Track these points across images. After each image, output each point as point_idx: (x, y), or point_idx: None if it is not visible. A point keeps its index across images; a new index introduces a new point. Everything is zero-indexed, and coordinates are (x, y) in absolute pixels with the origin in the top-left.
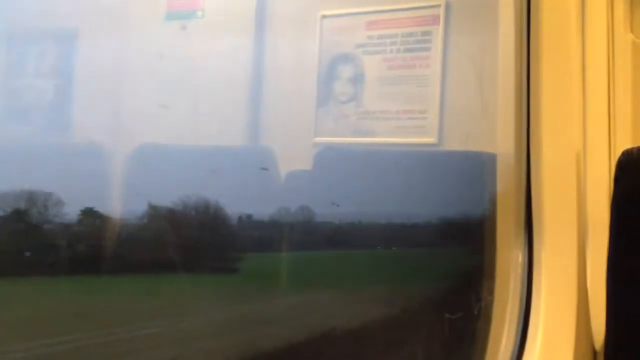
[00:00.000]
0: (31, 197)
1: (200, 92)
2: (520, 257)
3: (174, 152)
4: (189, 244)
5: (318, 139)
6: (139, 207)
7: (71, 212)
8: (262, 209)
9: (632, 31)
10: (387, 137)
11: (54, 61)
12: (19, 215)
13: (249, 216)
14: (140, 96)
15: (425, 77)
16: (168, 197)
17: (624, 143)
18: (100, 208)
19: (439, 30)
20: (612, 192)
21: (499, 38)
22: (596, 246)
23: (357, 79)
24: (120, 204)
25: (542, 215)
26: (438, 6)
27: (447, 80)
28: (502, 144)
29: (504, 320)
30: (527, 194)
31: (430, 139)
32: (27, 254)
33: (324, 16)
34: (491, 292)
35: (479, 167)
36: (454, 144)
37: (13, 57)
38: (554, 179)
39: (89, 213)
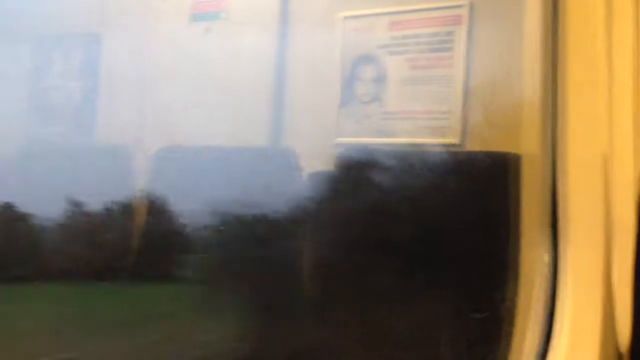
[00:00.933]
0: None
1: (223, 92)
2: (546, 257)
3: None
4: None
5: (340, 140)
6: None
7: None
8: None
9: None
10: (409, 137)
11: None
12: None
13: None
14: (163, 98)
15: (449, 78)
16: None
17: None
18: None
19: (462, 30)
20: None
21: (523, 38)
22: (622, 247)
23: (380, 80)
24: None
25: (567, 216)
26: (462, 6)
27: (470, 81)
28: (527, 144)
29: (528, 320)
30: (552, 195)
31: (454, 140)
32: None
33: (346, 17)
34: (515, 292)
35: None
36: (478, 145)
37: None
38: (580, 179)
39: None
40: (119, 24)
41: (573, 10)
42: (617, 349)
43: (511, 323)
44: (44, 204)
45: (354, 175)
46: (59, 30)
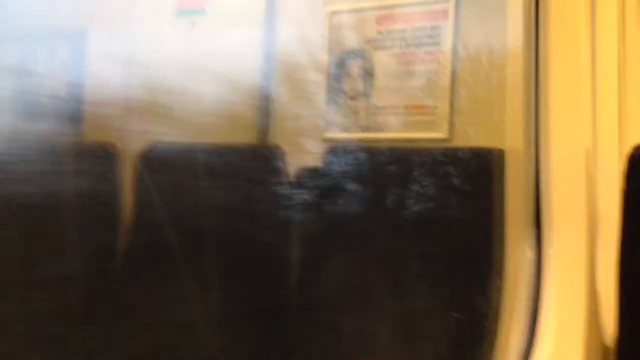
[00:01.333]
0: None
1: (208, 89)
2: (529, 254)
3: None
4: None
5: (328, 135)
6: None
7: None
8: None
9: None
10: (397, 132)
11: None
12: None
13: None
14: (150, 93)
15: (435, 72)
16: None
17: (636, 138)
18: None
19: (448, 25)
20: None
21: (507, 33)
22: (607, 242)
23: (367, 75)
24: None
25: (551, 212)
26: (447, 0)
27: (457, 75)
28: (510, 140)
29: (513, 317)
30: (536, 191)
31: (441, 135)
32: None
33: (333, 12)
34: (500, 290)
35: None
36: (465, 139)
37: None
38: (563, 175)
39: None
40: (104, 19)
41: (556, 5)
42: (603, 343)
43: (496, 320)
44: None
45: (341, 170)
46: (44, 26)
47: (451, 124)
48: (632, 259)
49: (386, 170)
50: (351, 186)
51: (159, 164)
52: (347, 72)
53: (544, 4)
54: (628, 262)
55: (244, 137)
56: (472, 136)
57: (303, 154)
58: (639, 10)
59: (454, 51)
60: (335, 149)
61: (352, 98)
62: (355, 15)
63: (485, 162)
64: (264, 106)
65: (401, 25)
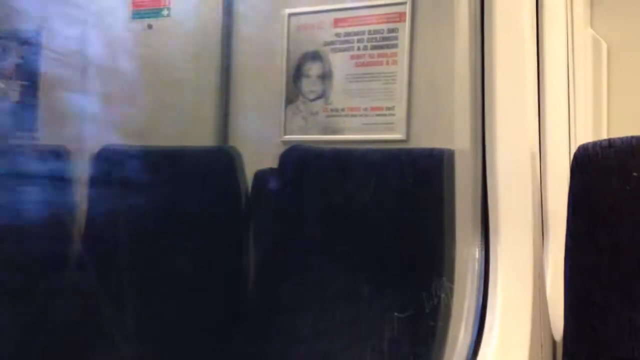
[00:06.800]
0: None
1: (166, 91)
2: (477, 253)
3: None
4: None
5: (287, 137)
6: None
7: None
8: None
9: (592, 26)
10: (355, 134)
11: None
12: None
13: None
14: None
15: (393, 74)
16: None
17: (585, 138)
18: None
19: (405, 27)
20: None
21: (455, 34)
22: (556, 239)
23: (326, 77)
24: None
25: (497, 211)
26: (404, 3)
27: (414, 77)
28: (459, 140)
29: (462, 316)
30: (484, 191)
31: (399, 135)
32: None
33: (291, 14)
34: (449, 288)
35: None
36: (421, 140)
37: None
38: (508, 176)
39: None
40: (59, 20)
41: (501, 6)
42: (552, 338)
43: (446, 318)
44: None
45: (297, 173)
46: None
47: (408, 126)
48: (578, 256)
49: (341, 171)
50: (306, 188)
51: (110, 166)
52: (306, 74)
53: (489, 7)
54: (574, 258)
55: (201, 140)
56: (428, 137)
57: (261, 156)
58: (588, 12)
59: (411, 53)
60: (292, 151)
61: (311, 100)
62: (312, 17)
63: (439, 162)
64: (222, 108)
65: (358, 28)
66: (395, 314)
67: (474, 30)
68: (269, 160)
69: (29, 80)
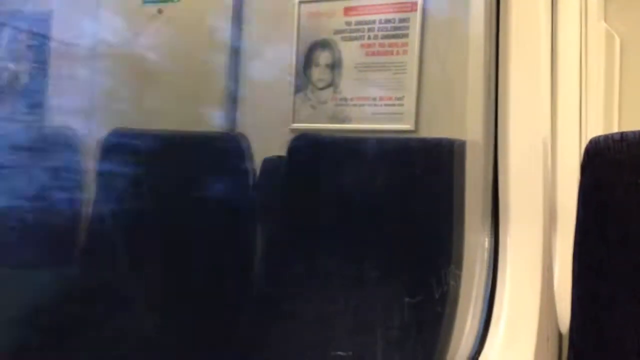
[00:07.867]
0: None
1: (175, 77)
2: (486, 242)
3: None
4: None
5: (295, 125)
6: None
7: None
8: None
9: (605, 20)
10: (364, 123)
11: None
12: None
13: None
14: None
15: (403, 64)
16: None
17: (596, 131)
18: None
19: (416, 17)
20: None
21: (469, 25)
22: (565, 233)
23: (335, 65)
24: None
25: (507, 202)
26: None
27: (424, 67)
28: (471, 131)
29: (469, 304)
30: (495, 181)
31: (407, 126)
32: None
33: (302, 1)
34: (458, 277)
35: None
36: (430, 131)
37: None
38: (520, 167)
39: None
40: (70, 3)
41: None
42: (558, 330)
43: (453, 306)
44: None
45: (306, 160)
46: (7, 9)
47: (418, 116)
48: (587, 249)
49: (349, 159)
50: (314, 175)
51: (120, 151)
52: (316, 63)
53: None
54: (583, 252)
55: (210, 126)
56: (438, 128)
57: (269, 144)
58: (601, 5)
59: (422, 43)
60: (301, 139)
61: (320, 89)
62: (323, 5)
63: (448, 152)
64: (232, 95)
65: (369, 17)
66: (406, 299)
67: (489, 22)
68: (277, 147)
69: (40, 62)
